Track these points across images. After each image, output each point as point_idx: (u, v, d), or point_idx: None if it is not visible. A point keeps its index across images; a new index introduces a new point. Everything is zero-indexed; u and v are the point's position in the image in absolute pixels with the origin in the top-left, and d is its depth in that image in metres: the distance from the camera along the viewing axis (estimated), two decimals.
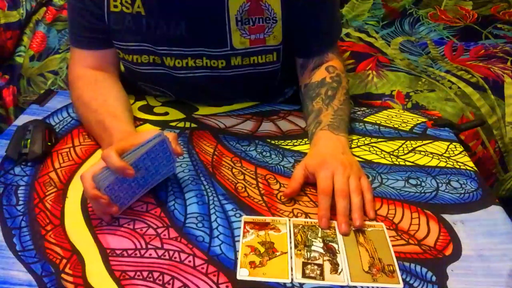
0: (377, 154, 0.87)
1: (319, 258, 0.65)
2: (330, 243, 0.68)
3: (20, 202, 0.74)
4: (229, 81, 0.96)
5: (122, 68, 1.02)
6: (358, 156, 0.87)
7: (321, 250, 0.66)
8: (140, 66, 0.94)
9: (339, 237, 0.69)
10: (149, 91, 1.06)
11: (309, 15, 0.91)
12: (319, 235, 0.69)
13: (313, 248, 0.67)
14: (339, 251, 0.66)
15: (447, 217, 0.73)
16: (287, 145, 0.90)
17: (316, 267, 0.64)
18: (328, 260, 0.65)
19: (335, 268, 0.64)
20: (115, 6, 0.88)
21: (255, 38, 0.90)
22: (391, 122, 0.98)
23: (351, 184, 0.73)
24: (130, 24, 0.89)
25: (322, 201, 0.72)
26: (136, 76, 0.99)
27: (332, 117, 0.87)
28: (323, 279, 0.62)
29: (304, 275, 0.63)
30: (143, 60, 0.93)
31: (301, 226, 0.70)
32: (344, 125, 0.87)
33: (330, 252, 0.66)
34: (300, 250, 0.66)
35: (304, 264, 0.64)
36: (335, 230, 0.70)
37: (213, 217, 0.72)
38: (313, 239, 0.68)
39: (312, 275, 0.63)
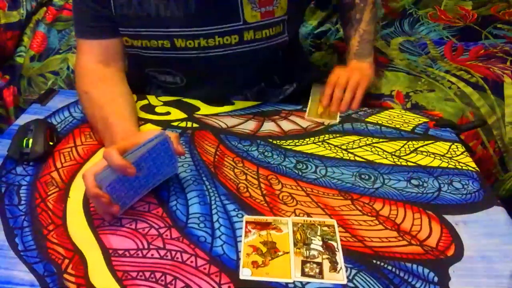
0: (379, 155, 0.87)
1: (318, 257, 0.65)
2: (329, 242, 0.68)
3: (22, 202, 0.74)
4: (240, 59, 0.97)
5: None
6: (360, 157, 0.87)
7: (320, 249, 0.67)
8: (148, 51, 0.95)
9: (338, 236, 0.69)
10: (157, 76, 1.06)
11: None
12: (318, 233, 0.69)
13: (312, 246, 0.67)
14: (338, 250, 0.66)
15: (449, 217, 0.73)
16: (288, 145, 0.90)
17: (315, 265, 0.64)
18: (327, 258, 0.65)
19: (334, 266, 0.64)
20: None
21: (265, 10, 0.92)
22: (392, 123, 0.98)
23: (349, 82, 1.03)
24: (137, 9, 0.89)
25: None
26: (144, 62, 0.99)
27: (357, 44, 1.07)
28: (322, 278, 0.62)
29: (303, 273, 0.63)
30: (152, 45, 0.93)
31: (300, 224, 0.70)
32: (369, 48, 1.10)
33: (329, 250, 0.66)
34: (299, 249, 0.66)
35: (303, 263, 0.64)
36: (334, 228, 0.70)
37: (215, 217, 0.72)
38: (312, 238, 0.68)
39: (311, 273, 0.63)
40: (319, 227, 0.70)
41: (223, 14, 0.91)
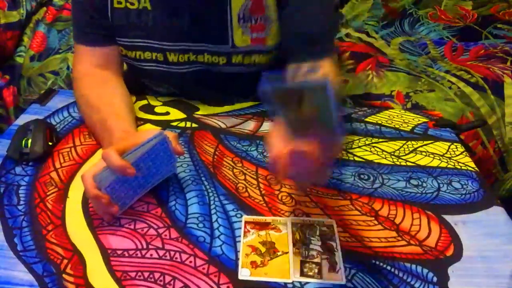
0: (378, 155, 0.87)
1: (317, 257, 0.65)
2: (328, 242, 0.68)
3: (21, 202, 0.74)
4: (228, 77, 0.96)
5: (125, 66, 1.02)
6: (359, 157, 0.87)
7: (319, 249, 0.66)
8: (142, 63, 0.95)
9: (337, 236, 0.69)
10: (152, 87, 1.06)
11: (301, 21, 0.89)
12: (317, 233, 0.69)
13: (311, 246, 0.67)
14: (337, 250, 0.66)
15: (448, 217, 0.73)
16: None
17: (314, 265, 0.64)
18: (326, 258, 0.65)
19: (333, 266, 0.64)
20: (119, 3, 0.89)
21: (256, 36, 0.90)
22: (392, 122, 0.98)
23: None
24: (134, 20, 0.89)
25: None
26: (139, 73, 0.99)
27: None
28: (321, 278, 0.62)
29: (302, 273, 0.63)
30: (146, 56, 0.93)
31: (299, 224, 0.70)
32: None
33: (328, 250, 0.66)
34: (298, 249, 0.66)
35: (302, 263, 0.64)
36: (333, 228, 0.70)
37: (214, 217, 0.72)
38: (311, 238, 0.68)
39: (310, 273, 0.63)
40: (318, 227, 0.70)
41: (213, 34, 0.91)
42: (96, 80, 0.92)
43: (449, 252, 0.67)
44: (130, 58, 0.95)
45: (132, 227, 0.70)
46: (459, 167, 0.84)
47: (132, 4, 0.88)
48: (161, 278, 0.62)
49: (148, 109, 1.00)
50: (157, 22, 0.89)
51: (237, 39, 0.90)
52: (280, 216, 0.72)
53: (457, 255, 0.66)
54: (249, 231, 0.69)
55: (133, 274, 0.62)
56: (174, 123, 0.95)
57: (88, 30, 0.93)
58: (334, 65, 0.92)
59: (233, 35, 0.90)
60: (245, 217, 0.72)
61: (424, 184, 0.80)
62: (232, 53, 0.92)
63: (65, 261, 0.64)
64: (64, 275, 0.62)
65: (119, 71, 0.98)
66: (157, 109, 1.00)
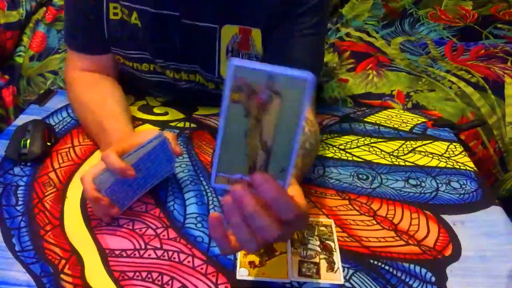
0: (376, 154, 0.87)
1: (315, 257, 0.65)
2: (326, 242, 0.68)
3: (20, 203, 0.74)
4: (219, 99, 0.95)
5: None
6: (358, 156, 0.87)
7: (318, 249, 0.66)
8: (141, 73, 0.95)
9: (336, 236, 0.69)
10: (150, 92, 1.06)
11: (283, 56, 0.83)
12: (316, 233, 0.69)
13: (309, 246, 0.67)
14: (335, 250, 0.66)
15: (446, 217, 0.73)
16: None
17: (312, 265, 0.64)
18: (325, 258, 0.65)
19: (331, 266, 0.64)
20: (115, 14, 0.87)
21: None
22: (391, 122, 0.98)
23: None
24: (130, 32, 0.88)
25: None
26: (136, 80, 0.99)
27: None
28: (319, 278, 0.62)
29: (300, 273, 0.63)
30: (143, 68, 0.93)
31: None
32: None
33: (327, 250, 0.66)
34: (296, 249, 0.66)
35: (301, 263, 0.64)
36: (331, 228, 0.70)
37: None
38: (309, 237, 0.68)
39: (308, 273, 0.63)
40: (316, 227, 0.70)
41: (202, 63, 0.90)
42: (89, 82, 0.91)
43: (448, 252, 0.67)
44: (128, 67, 0.95)
45: (130, 227, 0.70)
46: (458, 167, 0.84)
47: (127, 16, 0.87)
48: (159, 278, 0.62)
49: (147, 109, 1.00)
50: (147, 41, 0.88)
51: (224, 71, 0.89)
52: None
53: (456, 255, 0.66)
54: None
55: (131, 274, 0.62)
56: (173, 123, 0.95)
57: (81, 38, 0.92)
58: (312, 111, 0.83)
59: (220, 65, 0.89)
60: None
61: (423, 184, 0.80)
62: (219, 82, 0.91)
63: (63, 261, 0.64)
64: (62, 275, 0.61)
65: (113, 74, 0.97)
66: (156, 109, 1.00)
